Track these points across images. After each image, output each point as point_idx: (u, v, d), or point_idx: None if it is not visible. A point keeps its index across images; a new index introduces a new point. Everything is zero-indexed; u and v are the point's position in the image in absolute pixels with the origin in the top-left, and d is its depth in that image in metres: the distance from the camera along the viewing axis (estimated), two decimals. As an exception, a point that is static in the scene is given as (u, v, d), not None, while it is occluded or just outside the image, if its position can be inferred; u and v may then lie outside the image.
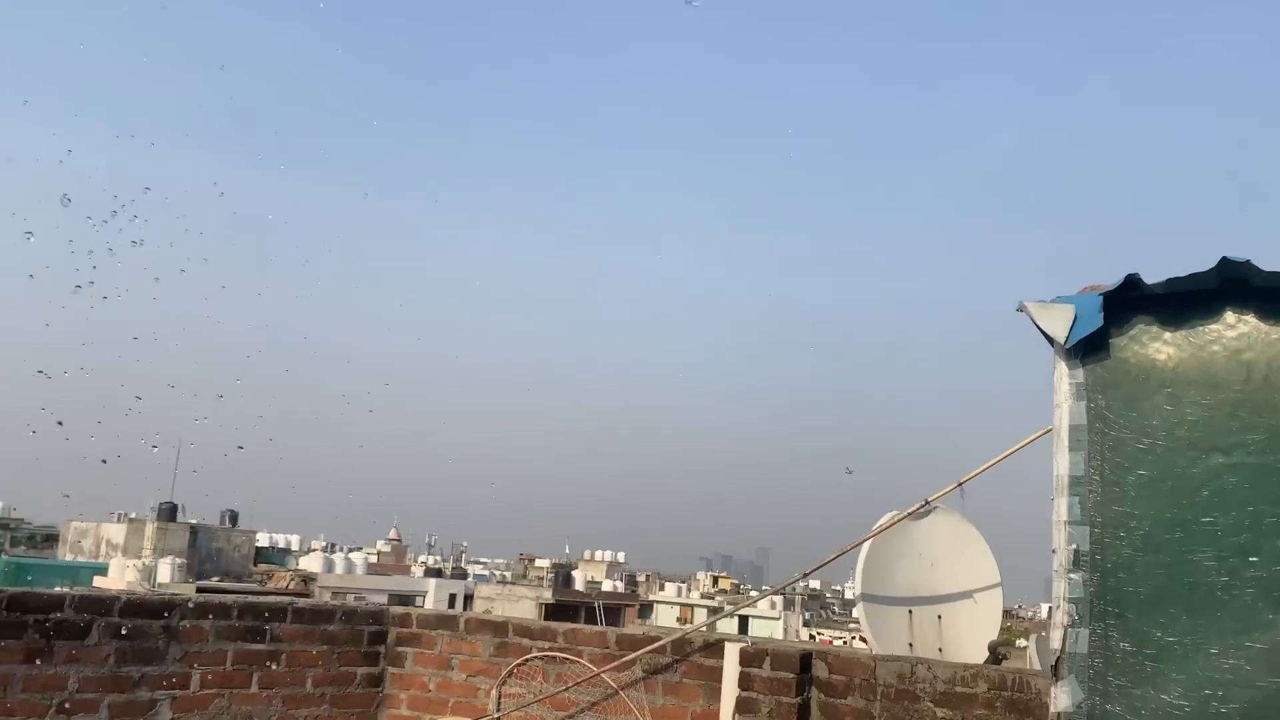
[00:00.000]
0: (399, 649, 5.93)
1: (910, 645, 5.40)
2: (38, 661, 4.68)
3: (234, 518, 50.28)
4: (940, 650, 5.42)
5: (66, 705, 4.75)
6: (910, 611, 5.47)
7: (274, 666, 5.47)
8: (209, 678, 5.23)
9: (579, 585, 59.80)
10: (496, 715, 5.53)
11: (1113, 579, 3.41)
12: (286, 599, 6.18)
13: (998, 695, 4.61)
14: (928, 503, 5.30)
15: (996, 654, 5.23)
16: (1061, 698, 3.39)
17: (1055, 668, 3.39)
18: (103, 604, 4.95)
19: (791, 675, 4.89)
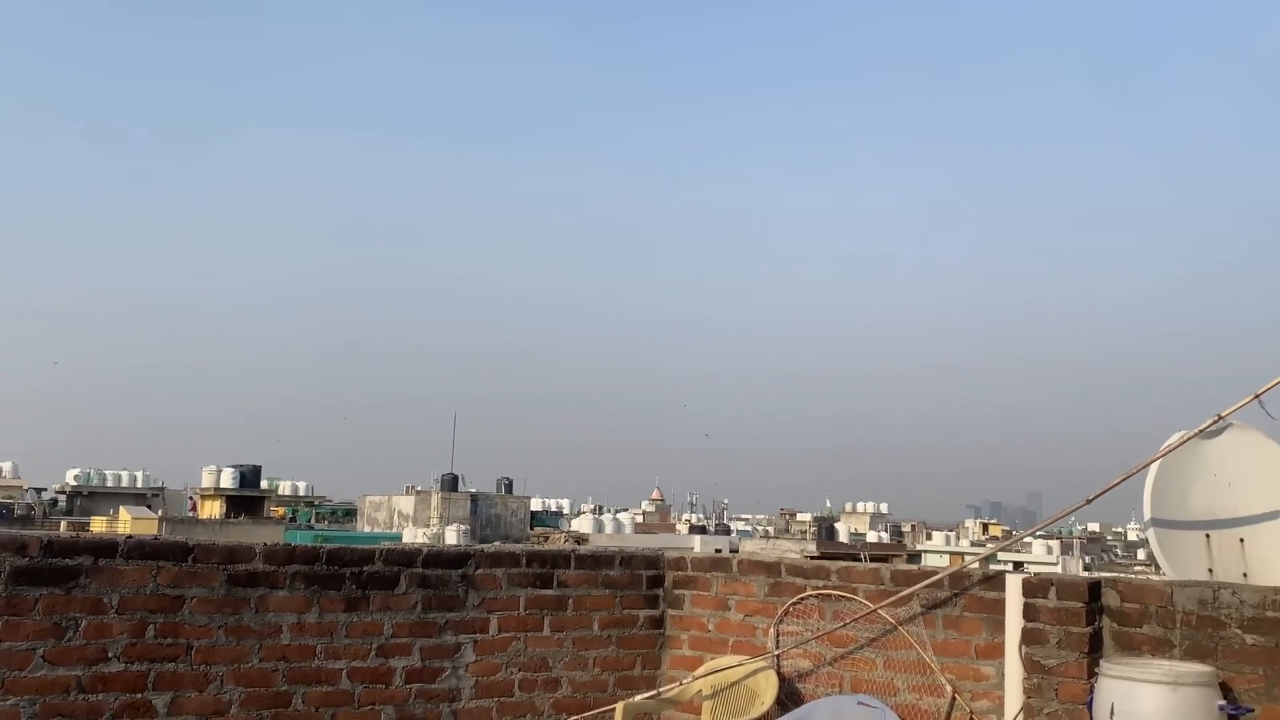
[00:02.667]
0: (676, 592, 6.12)
1: (1210, 571, 5.08)
2: (357, 609, 5.15)
3: (509, 485, 53.11)
4: (1245, 575, 5.06)
5: (384, 648, 5.21)
6: (1207, 535, 5.14)
7: (563, 611, 5.78)
8: (505, 622, 5.59)
9: (843, 537, 59.41)
10: (776, 653, 5.63)
11: None
12: (568, 548, 6.51)
13: (1317, 619, 4.28)
14: (1220, 418, 4.95)
15: (1312, 576, 4.84)
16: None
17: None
18: (408, 556, 5.38)
19: (1080, 604, 4.71)
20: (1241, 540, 5.13)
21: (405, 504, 48.66)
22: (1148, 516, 5.17)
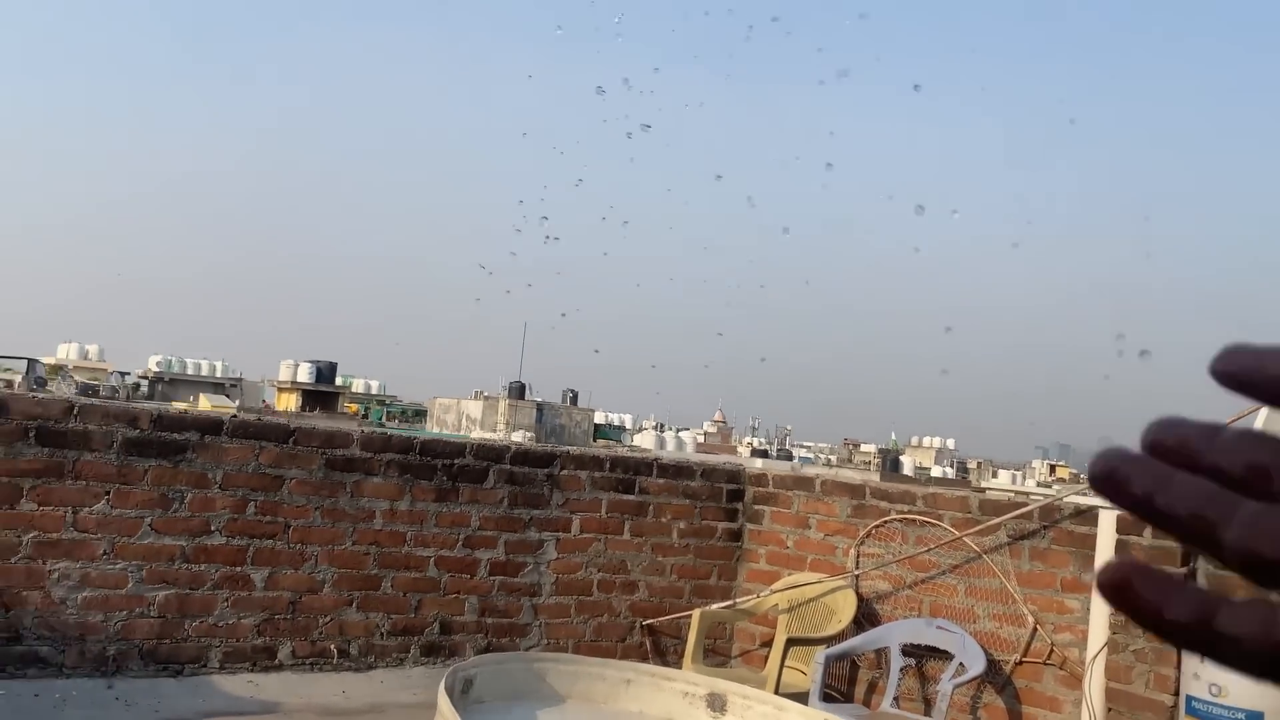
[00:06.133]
0: (757, 507, 6.14)
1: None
2: (447, 500, 5.25)
3: (574, 397, 53.58)
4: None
5: (470, 539, 5.31)
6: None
7: (643, 517, 5.84)
8: (587, 523, 5.67)
9: (907, 470, 59.17)
10: (856, 573, 5.63)
11: None
12: (652, 455, 6.55)
13: None
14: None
15: None
16: None
17: None
18: (496, 452, 5.45)
19: (1176, 546, 4.62)
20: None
21: (473, 408, 49.40)
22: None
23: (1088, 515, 5.00)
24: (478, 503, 5.34)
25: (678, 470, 6.05)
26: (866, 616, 5.55)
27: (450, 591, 5.25)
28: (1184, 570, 4.59)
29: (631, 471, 5.85)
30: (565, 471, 5.62)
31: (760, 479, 6.22)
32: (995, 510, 5.31)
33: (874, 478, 6.13)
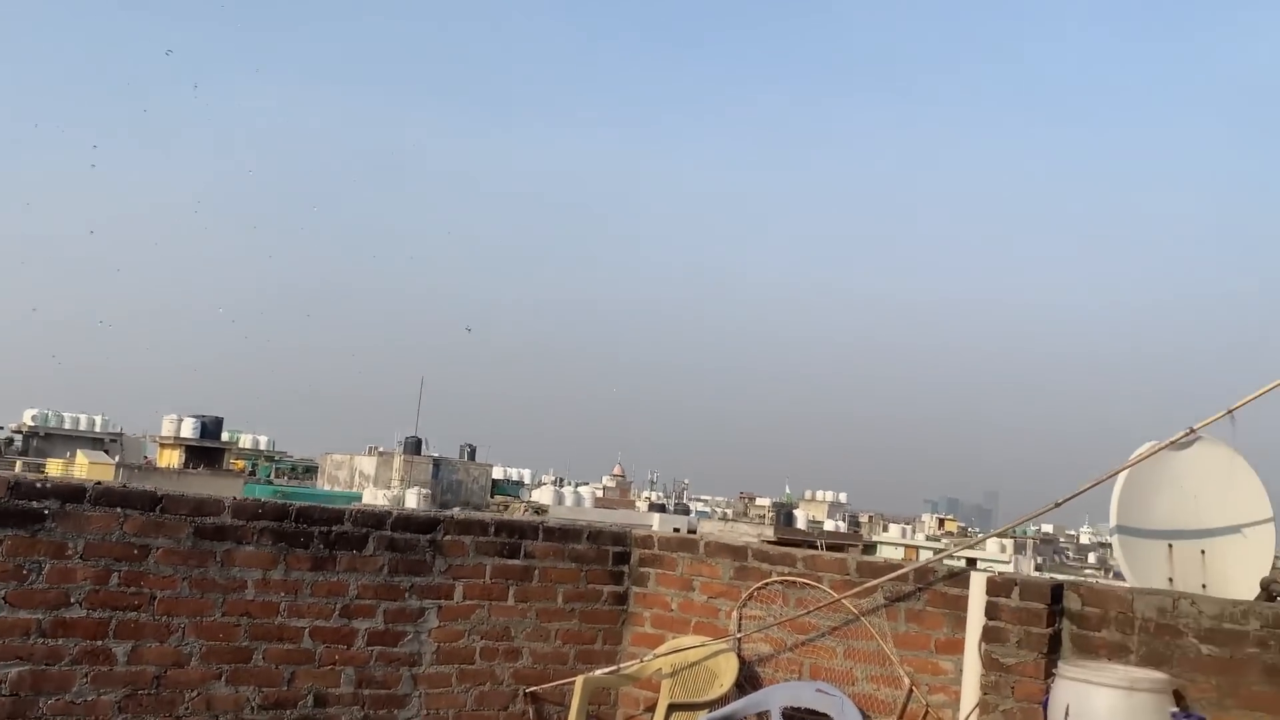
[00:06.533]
0: (642, 569, 6.15)
1: (1170, 580, 5.15)
2: (323, 568, 5.13)
3: (472, 452, 53.07)
4: (1204, 586, 5.14)
5: (348, 609, 5.19)
6: (1170, 545, 5.21)
7: (528, 582, 5.79)
8: (470, 590, 5.59)
9: (800, 524, 59.87)
10: (738, 636, 5.66)
11: None
12: (537, 519, 6.52)
13: (1271, 634, 4.34)
14: (1192, 431, 5.01)
15: (1271, 591, 4.92)
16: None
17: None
18: (377, 519, 5.36)
19: (1042, 606, 4.76)
20: (1203, 552, 5.21)
21: (367, 464, 48.51)
22: (1114, 523, 5.23)
23: (960, 577, 5.13)
24: (356, 571, 5.23)
25: (564, 533, 6.02)
26: (748, 679, 5.58)
27: (325, 663, 5.12)
28: (1049, 631, 4.73)
29: (517, 535, 5.80)
30: (448, 537, 5.55)
31: (646, 541, 6.24)
32: (872, 572, 5.41)
33: (755, 539, 6.23)
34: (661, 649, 5.77)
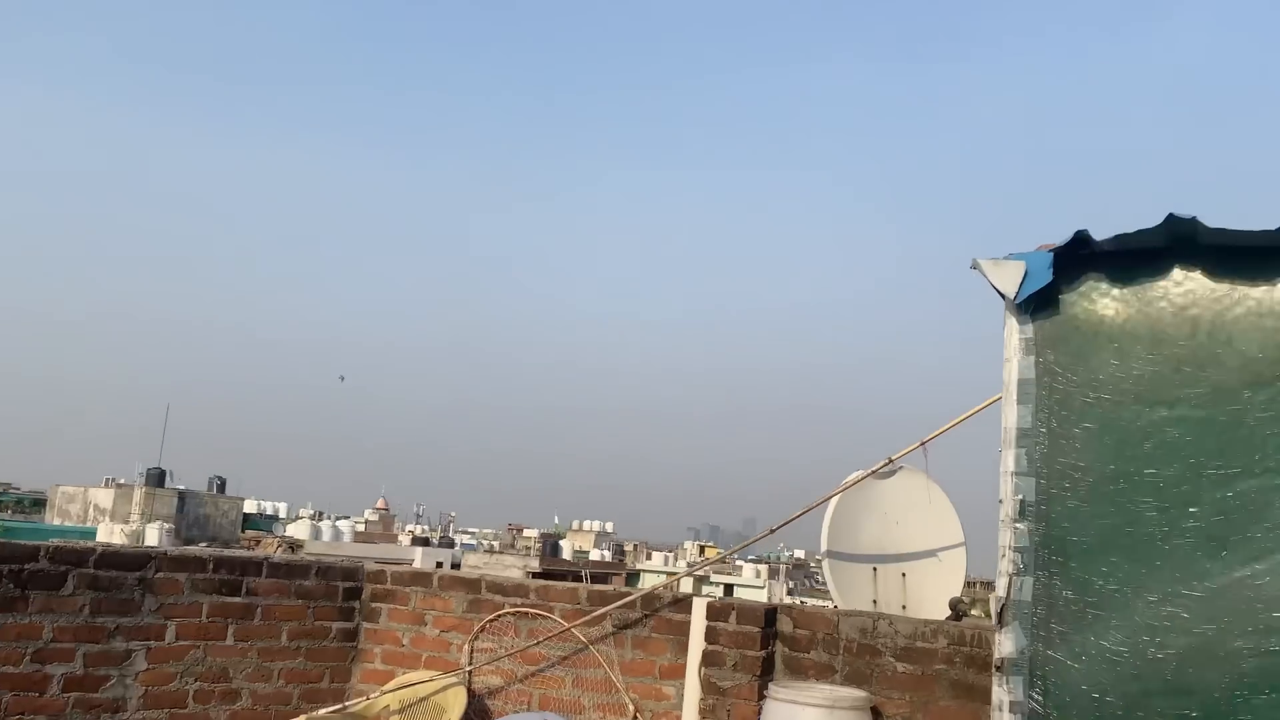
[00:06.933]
0: (374, 605, 6.01)
1: (874, 602, 5.50)
2: (14, 610, 4.74)
3: (222, 485, 50.36)
4: (904, 607, 5.52)
5: (41, 653, 4.82)
6: (874, 569, 5.56)
7: (251, 620, 5.55)
8: (184, 629, 5.31)
9: (566, 555, 60.07)
10: (469, 669, 5.62)
11: (1057, 529, 3.50)
12: (261, 555, 6.26)
13: (957, 650, 4.70)
14: (891, 461, 5.38)
15: (958, 610, 5.33)
16: (1005, 644, 3.48)
17: (1000, 615, 3.48)
18: (78, 555, 5.01)
19: (756, 629, 4.97)
20: (904, 574, 5.59)
21: (103, 497, 45.14)
22: (824, 549, 5.54)
23: (684, 603, 5.30)
24: (53, 612, 4.86)
25: (291, 569, 5.81)
26: (478, 713, 5.54)
27: (13, 712, 4.72)
28: (762, 654, 4.95)
29: (239, 572, 5.55)
30: (161, 575, 5.25)
31: (379, 575, 6.10)
32: (602, 600, 5.50)
33: (495, 574, 6.22)
34: (390, 685, 5.64)
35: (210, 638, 5.40)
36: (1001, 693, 3.49)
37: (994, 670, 3.53)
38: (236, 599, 5.51)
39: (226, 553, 5.98)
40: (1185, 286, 3.53)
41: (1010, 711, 3.46)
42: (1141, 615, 3.36)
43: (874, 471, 5.40)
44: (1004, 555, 3.51)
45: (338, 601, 5.92)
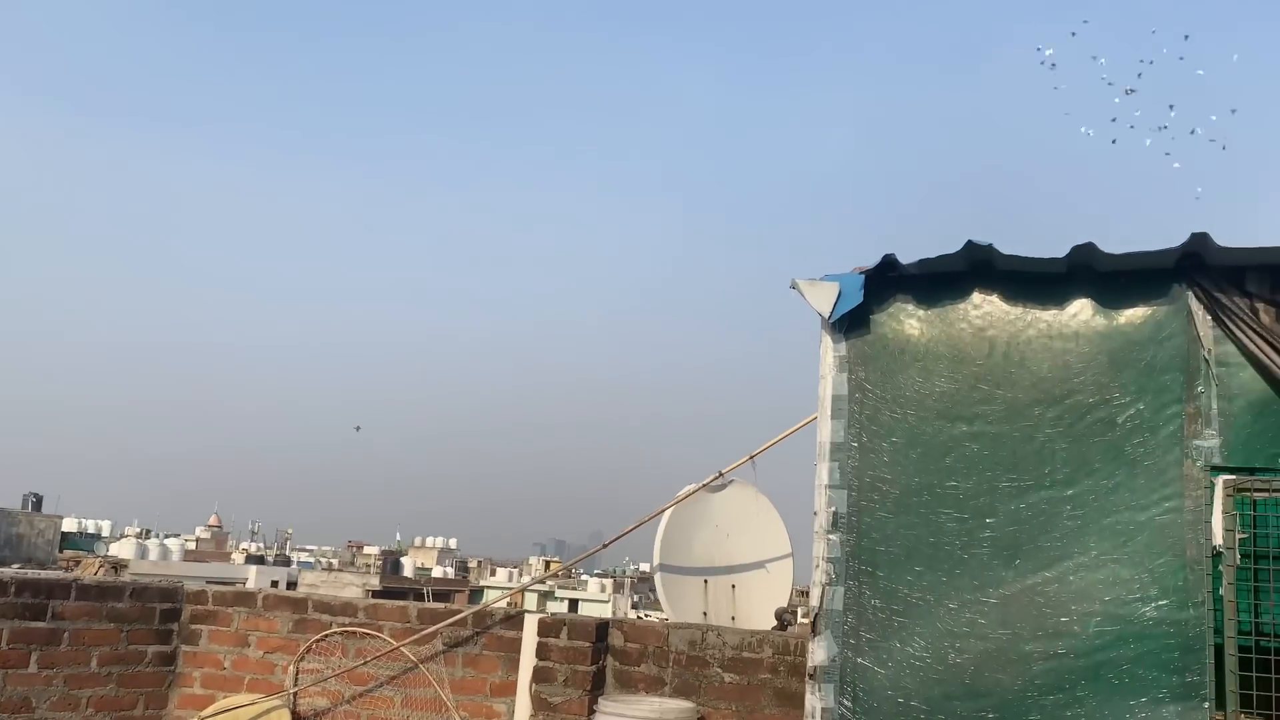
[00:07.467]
0: (194, 626, 5.78)
1: (705, 614, 5.60)
2: None
3: (38, 502, 47.51)
4: (733, 618, 5.63)
5: None
6: (706, 581, 5.66)
7: (56, 646, 5.26)
8: (-19, 658, 4.99)
9: (408, 572, 58.92)
10: (293, 691, 5.47)
11: (866, 539, 3.65)
12: (70, 576, 5.95)
13: (781, 659, 4.83)
14: (721, 475, 5.50)
15: (783, 620, 5.48)
16: (818, 652, 3.61)
17: (813, 624, 3.60)
18: None
19: (587, 644, 4.99)
20: (734, 586, 5.71)
21: (-100, 518, 41.98)
22: (656, 561, 5.61)
23: (516, 619, 5.28)
24: None
25: (102, 591, 5.53)
26: (302, 736, 5.39)
27: None
28: (593, 668, 4.98)
29: (43, 595, 5.26)
30: (-46, 600, 4.93)
31: (199, 596, 5.87)
32: (432, 618, 5.43)
33: (321, 594, 6.07)
34: (208, 710, 5.43)
35: (11, 665, 5.10)
36: (814, 699, 3.61)
37: (807, 678, 3.65)
38: (40, 624, 5.22)
39: (30, 574, 5.66)
40: (983, 309, 3.74)
41: (822, 718, 3.58)
42: (943, 622, 3.54)
43: (705, 485, 5.50)
44: (818, 565, 3.64)
45: (154, 624, 5.67)
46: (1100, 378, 3.60)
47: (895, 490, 3.67)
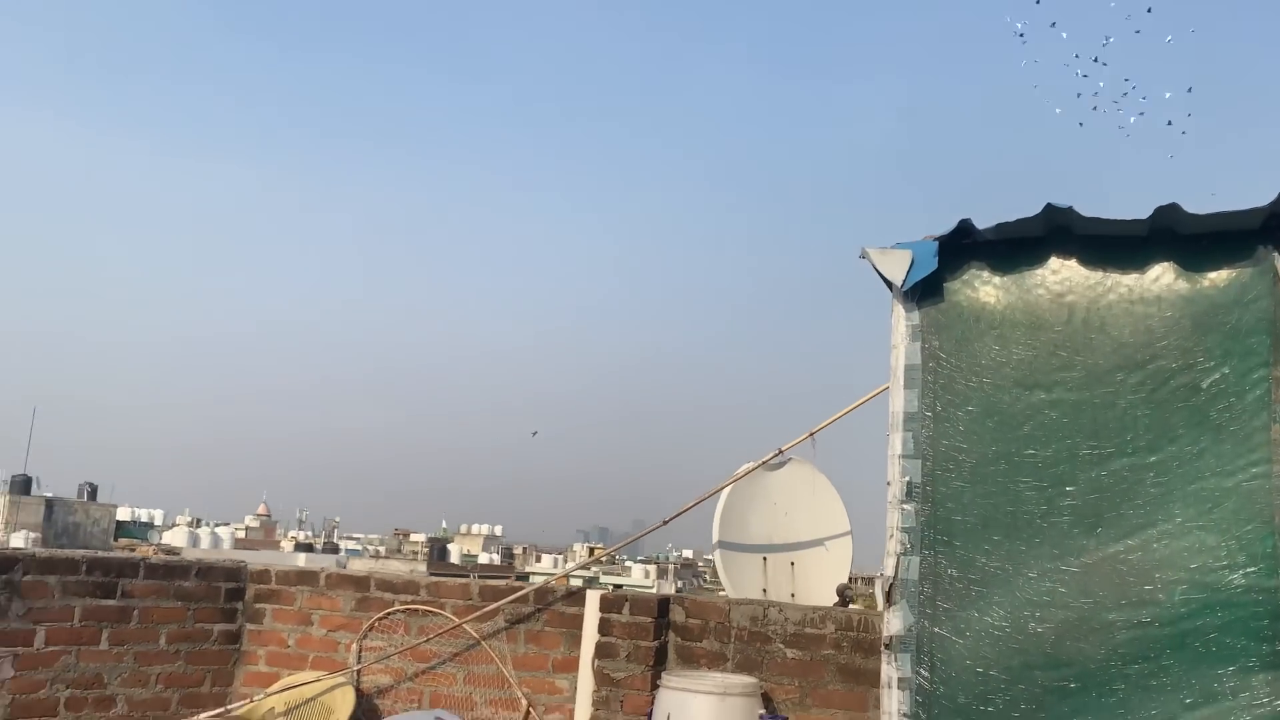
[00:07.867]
0: (258, 605, 5.84)
1: (764, 591, 5.57)
2: None
3: (93, 491, 48.39)
4: (793, 595, 5.60)
5: (-103, 664, 4.56)
6: (764, 558, 5.64)
7: (126, 623, 5.34)
8: (55, 635, 5.08)
9: (454, 559, 59.46)
10: (357, 668, 5.51)
11: (942, 509, 3.60)
12: (138, 555, 6.04)
13: (844, 635, 4.80)
14: (780, 452, 5.46)
15: (845, 596, 5.44)
16: (894, 622, 3.57)
17: (888, 594, 3.57)
18: (-64, 559, 4.75)
19: (649, 619, 4.99)
20: (792, 563, 5.68)
21: (-37, 507, 42.91)
22: (715, 539, 5.59)
23: (577, 596, 5.28)
24: (-92, 619, 4.60)
25: (169, 570, 5.61)
26: (367, 712, 5.43)
27: None
28: (655, 644, 4.97)
29: (114, 574, 5.33)
30: (29, 577, 5.01)
31: (263, 575, 5.93)
32: (494, 595, 5.45)
33: (384, 572, 6.09)
34: (274, 687, 5.49)
35: (83, 642, 5.18)
36: (890, 670, 3.58)
37: (883, 648, 3.62)
38: (111, 602, 5.30)
39: (101, 554, 5.74)
40: (1061, 274, 3.67)
41: (899, 688, 3.55)
42: (1022, 591, 3.49)
43: (764, 463, 5.47)
44: (892, 535, 3.60)
45: (219, 602, 5.74)
46: (1184, 342, 3.52)
47: (971, 459, 3.62)
